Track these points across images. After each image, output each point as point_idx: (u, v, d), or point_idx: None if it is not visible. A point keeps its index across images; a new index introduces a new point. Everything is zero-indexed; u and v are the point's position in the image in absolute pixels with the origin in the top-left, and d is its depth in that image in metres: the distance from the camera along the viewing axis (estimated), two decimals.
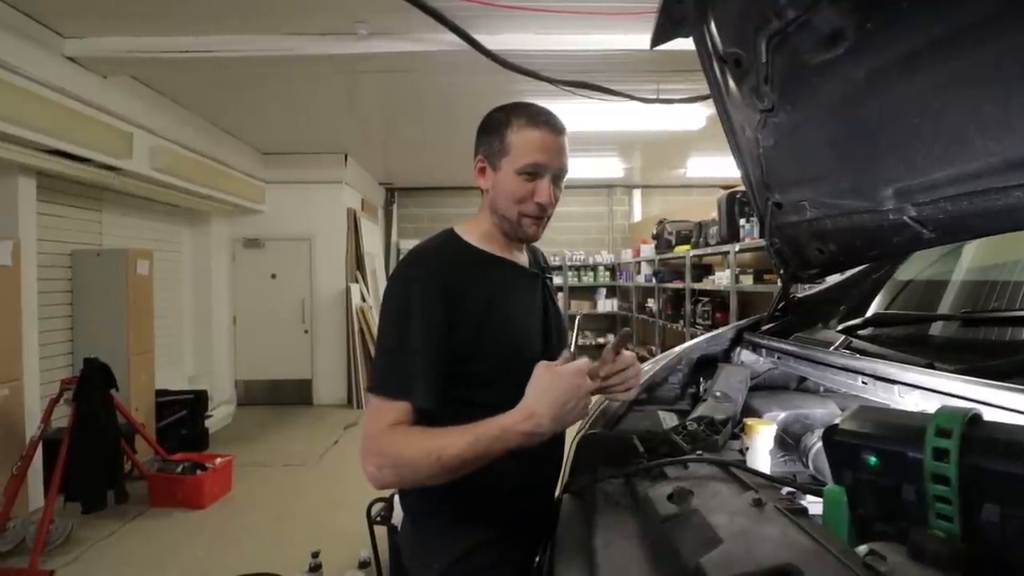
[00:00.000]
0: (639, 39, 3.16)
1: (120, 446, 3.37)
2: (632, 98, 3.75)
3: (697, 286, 5.07)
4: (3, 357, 3.04)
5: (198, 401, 4.62)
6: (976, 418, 0.64)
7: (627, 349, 1.03)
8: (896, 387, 0.90)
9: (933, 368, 0.88)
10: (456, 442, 0.84)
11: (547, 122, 0.98)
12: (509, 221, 1.01)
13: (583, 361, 0.87)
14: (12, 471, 2.85)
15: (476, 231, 1.06)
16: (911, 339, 1.27)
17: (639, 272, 7.05)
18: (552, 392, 0.83)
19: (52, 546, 2.91)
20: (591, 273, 8.24)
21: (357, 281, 6.46)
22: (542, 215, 1.01)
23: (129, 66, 3.50)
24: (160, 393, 4.36)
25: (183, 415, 4.45)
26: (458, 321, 0.94)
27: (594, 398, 0.97)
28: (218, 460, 3.74)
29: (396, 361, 0.92)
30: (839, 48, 0.86)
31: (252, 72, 3.64)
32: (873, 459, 0.70)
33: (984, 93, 0.76)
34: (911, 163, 0.89)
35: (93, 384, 3.18)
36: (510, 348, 0.99)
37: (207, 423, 4.75)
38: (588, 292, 8.27)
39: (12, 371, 3.10)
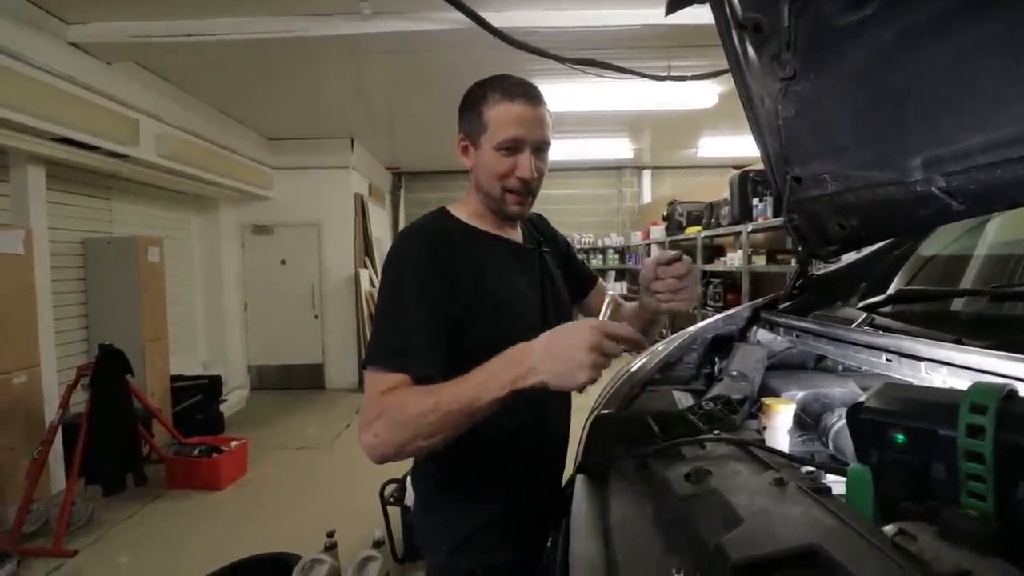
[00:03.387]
0: (650, 13, 3.09)
1: (137, 430, 3.42)
2: (642, 76, 3.67)
3: (708, 267, 5.01)
4: (20, 344, 3.08)
5: (212, 386, 4.69)
6: (1012, 394, 0.62)
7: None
8: (923, 364, 0.87)
9: (962, 344, 0.85)
10: (452, 391, 0.79)
11: (523, 94, 0.95)
12: (493, 198, 1.00)
13: (595, 320, 0.80)
14: (33, 455, 2.91)
15: (466, 210, 1.05)
16: (936, 315, 1.23)
17: (649, 254, 6.99)
18: (554, 339, 0.77)
19: (75, 527, 2.98)
20: (600, 256, 8.19)
21: (366, 266, 6.47)
22: (525, 190, 0.98)
23: (132, 51, 3.47)
24: (175, 379, 4.42)
25: (198, 400, 4.51)
26: (451, 292, 0.93)
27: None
28: (233, 443, 3.80)
29: (391, 333, 0.90)
30: (867, 8, 0.81)
31: (256, 55, 3.60)
32: (900, 437, 0.67)
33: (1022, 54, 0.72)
34: (941, 131, 0.85)
35: (109, 370, 3.21)
36: (500, 324, 0.98)
37: (222, 407, 4.82)
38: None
39: (30, 358, 3.14)
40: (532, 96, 0.95)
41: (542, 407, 1.05)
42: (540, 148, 0.97)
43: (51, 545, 2.76)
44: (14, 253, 3.05)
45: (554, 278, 1.13)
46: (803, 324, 1.24)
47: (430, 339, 0.89)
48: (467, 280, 0.95)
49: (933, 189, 0.91)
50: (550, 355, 0.75)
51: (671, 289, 0.96)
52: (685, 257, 0.97)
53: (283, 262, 6.37)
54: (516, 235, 1.10)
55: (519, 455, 1.03)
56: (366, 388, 0.89)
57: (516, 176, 0.96)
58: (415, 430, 0.80)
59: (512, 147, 0.95)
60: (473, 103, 0.98)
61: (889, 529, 0.59)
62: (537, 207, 1.12)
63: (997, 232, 1.43)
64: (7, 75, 2.87)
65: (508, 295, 1.00)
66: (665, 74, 3.77)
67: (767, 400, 1.10)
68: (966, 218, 1.14)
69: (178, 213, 5.38)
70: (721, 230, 4.61)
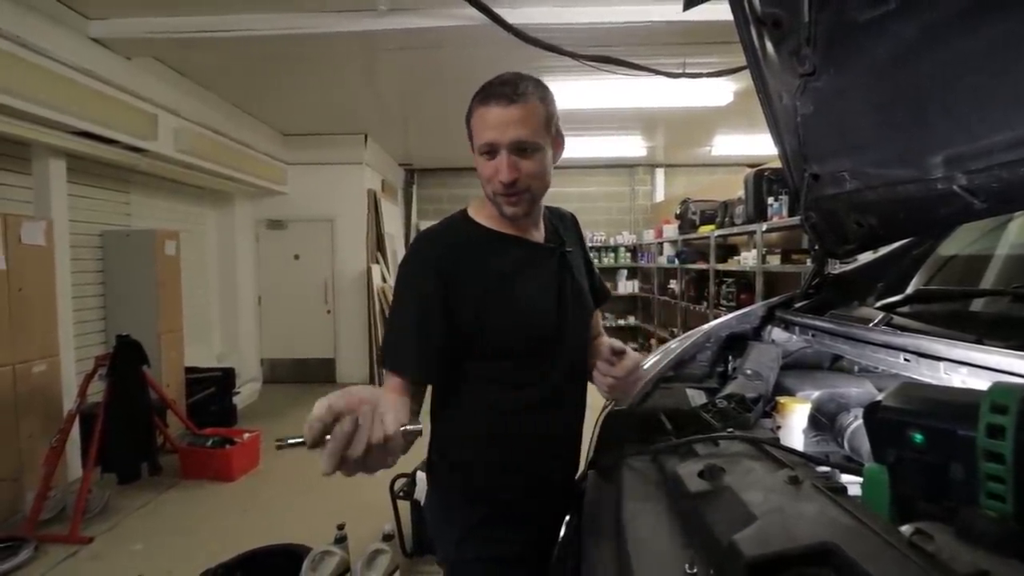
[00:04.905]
0: (665, 9, 3.06)
1: (153, 420, 3.48)
2: (657, 73, 3.65)
3: (721, 267, 4.97)
4: (40, 334, 3.14)
5: (226, 378, 4.74)
6: None
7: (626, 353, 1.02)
8: (942, 364, 0.86)
9: (982, 344, 0.83)
10: None
11: (497, 95, 0.93)
12: (492, 201, 1.01)
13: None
14: (51, 443, 2.97)
15: (485, 211, 1.06)
16: (955, 315, 1.21)
17: (661, 253, 6.95)
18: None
19: (90, 515, 3.04)
20: (612, 254, 8.15)
21: (378, 262, 6.51)
22: (508, 192, 0.97)
23: (152, 47, 3.52)
24: (190, 370, 4.47)
25: (212, 392, 4.56)
26: (457, 301, 0.96)
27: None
28: (246, 435, 3.85)
29: (393, 337, 0.99)
30: (890, 3, 0.80)
31: (272, 51, 3.63)
32: (919, 437, 0.67)
33: None
34: (965, 127, 0.84)
35: (126, 360, 3.27)
36: (516, 327, 1.00)
37: (235, 400, 4.87)
38: (609, 274, 8.19)
39: (49, 347, 3.21)
40: (507, 96, 0.92)
41: (557, 402, 1.05)
42: (521, 148, 0.94)
43: (68, 532, 2.81)
44: (36, 244, 3.11)
45: (576, 278, 1.11)
46: (819, 323, 1.23)
47: (424, 344, 0.96)
48: (478, 288, 0.97)
49: (954, 187, 0.90)
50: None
51: (609, 386, 1.03)
52: (632, 355, 1.02)
53: (296, 257, 6.42)
54: (537, 234, 1.09)
55: (531, 449, 1.04)
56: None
57: (498, 179, 0.95)
58: None
59: (489, 151, 0.95)
60: (467, 112, 1.00)
61: (906, 529, 0.59)
62: (549, 204, 1.12)
63: (1019, 232, 1.40)
64: (30, 69, 2.92)
65: (524, 300, 1.01)
66: (680, 71, 3.75)
67: (782, 399, 1.09)
68: (987, 217, 1.12)
69: (195, 207, 5.44)
70: (735, 229, 4.57)
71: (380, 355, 1.01)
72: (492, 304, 0.97)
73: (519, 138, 0.93)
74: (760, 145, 6.36)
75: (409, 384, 0.94)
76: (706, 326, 1.51)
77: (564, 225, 1.17)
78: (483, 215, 1.05)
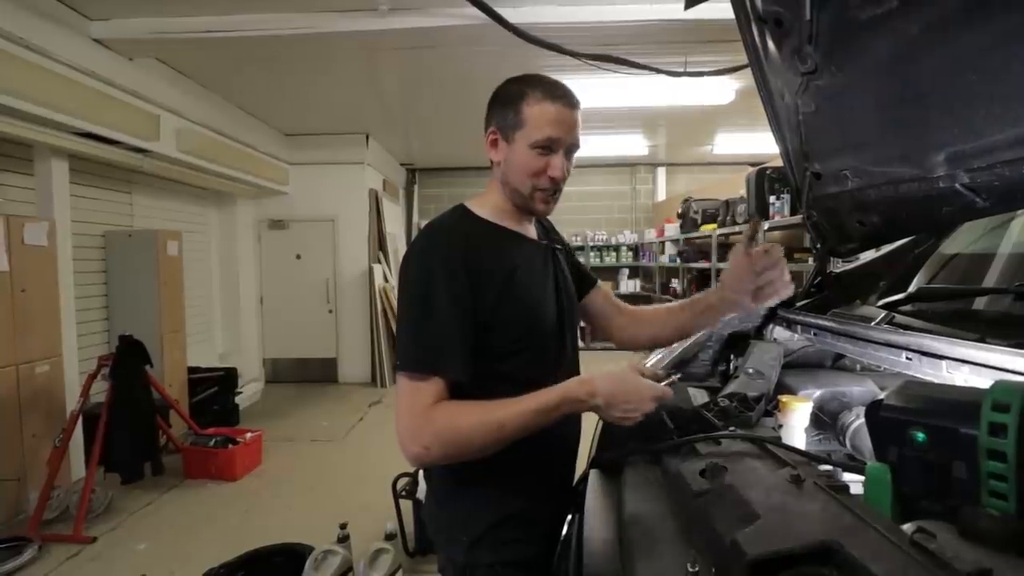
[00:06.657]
0: (667, 8, 3.06)
1: (155, 420, 3.48)
2: (659, 71, 3.64)
3: (723, 265, 4.97)
4: (43, 334, 3.15)
5: (228, 378, 4.75)
6: None
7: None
8: (944, 363, 0.85)
9: (985, 342, 0.83)
10: (517, 412, 0.86)
11: (563, 96, 0.97)
12: (521, 195, 1.00)
13: (666, 389, 0.91)
14: (54, 443, 2.98)
15: (487, 206, 1.04)
16: (958, 314, 1.21)
17: (663, 252, 6.95)
18: (623, 385, 0.89)
19: (94, 514, 3.05)
20: (613, 253, 8.15)
21: (380, 261, 6.51)
22: (555, 189, 1.00)
23: (154, 47, 3.53)
24: (192, 370, 4.48)
25: (214, 391, 4.57)
26: (478, 293, 0.93)
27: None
28: (248, 435, 3.85)
29: (424, 335, 0.90)
30: (892, 0, 0.80)
31: (274, 52, 3.64)
32: (921, 435, 0.67)
33: None
34: (967, 125, 0.83)
35: (128, 360, 3.27)
36: (527, 321, 0.99)
37: (237, 399, 4.88)
38: (610, 272, 8.20)
39: (52, 348, 3.21)
40: (571, 99, 0.97)
41: None
42: (571, 150, 0.99)
43: (71, 531, 2.82)
44: (39, 245, 3.12)
45: (567, 276, 1.13)
46: (821, 322, 1.23)
47: (463, 342, 0.90)
48: (494, 282, 0.95)
49: (956, 185, 0.90)
50: (615, 399, 0.88)
51: (772, 280, 1.06)
52: (773, 246, 1.05)
53: (298, 257, 6.44)
54: (532, 232, 1.10)
55: (542, 450, 1.03)
56: (402, 394, 0.90)
57: (548, 175, 0.97)
58: (472, 446, 0.88)
59: (547, 146, 0.96)
60: (511, 99, 0.98)
61: (908, 527, 0.59)
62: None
63: (1021, 230, 1.40)
64: (32, 70, 2.93)
65: (532, 295, 1.01)
66: (682, 70, 3.74)
67: (784, 398, 1.09)
68: (990, 215, 1.12)
69: (197, 207, 5.45)
70: (737, 228, 4.57)
71: (400, 356, 0.92)
72: (508, 299, 0.96)
73: (577, 141, 0.99)
74: (762, 143, 6.35)
75: (449, 386, 0.89)
76: None
77: (542, 224, 1.18)
78: (486, 210, 1.04)
